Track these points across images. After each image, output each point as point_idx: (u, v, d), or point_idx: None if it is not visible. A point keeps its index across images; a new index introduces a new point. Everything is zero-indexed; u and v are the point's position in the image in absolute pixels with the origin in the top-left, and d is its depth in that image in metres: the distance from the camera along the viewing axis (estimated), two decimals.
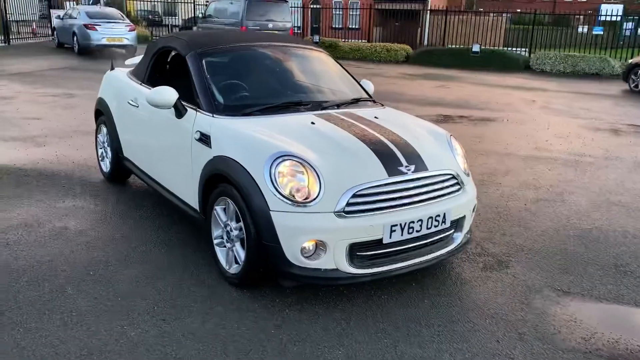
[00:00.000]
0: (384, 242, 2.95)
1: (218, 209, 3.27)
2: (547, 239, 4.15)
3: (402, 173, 3.05)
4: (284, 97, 3.80)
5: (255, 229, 2.93)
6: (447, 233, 3.28)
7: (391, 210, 2.97)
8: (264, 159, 2.94)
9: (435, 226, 3.14)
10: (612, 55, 17.52)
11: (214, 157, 3.23)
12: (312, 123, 3.38)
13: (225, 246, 3.28)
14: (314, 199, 2.84)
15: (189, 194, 3.62)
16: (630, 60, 14.11)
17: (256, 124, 3.31)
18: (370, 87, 4.46)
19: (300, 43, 4.35)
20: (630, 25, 24.17)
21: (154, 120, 3.96)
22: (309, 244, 2.85)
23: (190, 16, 26.24)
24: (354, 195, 2.89)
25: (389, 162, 3.07)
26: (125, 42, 16.73)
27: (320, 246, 2.86)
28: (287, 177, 2.88)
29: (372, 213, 2.92)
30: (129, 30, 16.86)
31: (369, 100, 4.10)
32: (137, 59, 5.29)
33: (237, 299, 3.09)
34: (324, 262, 2.88)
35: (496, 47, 18.62)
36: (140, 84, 4.37)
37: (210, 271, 3.39)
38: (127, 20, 17.68)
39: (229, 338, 2.73)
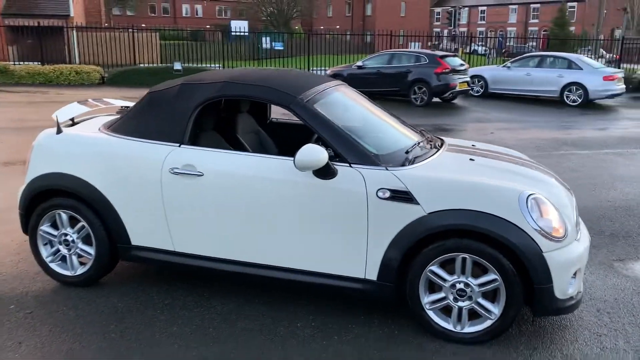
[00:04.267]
0: None
1: (435, 269, 2.95)
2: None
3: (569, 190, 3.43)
4: (403, 138, 3.55)
5: (520, 276, 2.85)
6: None
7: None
8: (515, 202, 2.86)
9: None
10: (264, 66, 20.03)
11: (429, 213, 2.89)
12: (471, 159, 3.37)
13: (448, 307, 3.00)
14: (565, 232, 2.95)
15: (349, 264, 3.08)
16: (328, 71, 16.51)
17: (444, 168, 3.11)
18: None
19: (327, 79, 3.99)
20: (267, 39, 27.93)
21: (260, 189, 3.12)
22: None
23: None
24: None
25: (562, 184, 3.39)
26: None
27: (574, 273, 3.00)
28: (541, 216, 2.89)
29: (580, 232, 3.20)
30: None
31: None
32: (70, 110, 3.84)
33: None
34: (576, 288, 3.03)
35: (197, 64, 18.87)
36: (180, 146, 3.30)
37: None
38: None
39: None
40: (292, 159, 3.04)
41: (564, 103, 14.79)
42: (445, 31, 56.36)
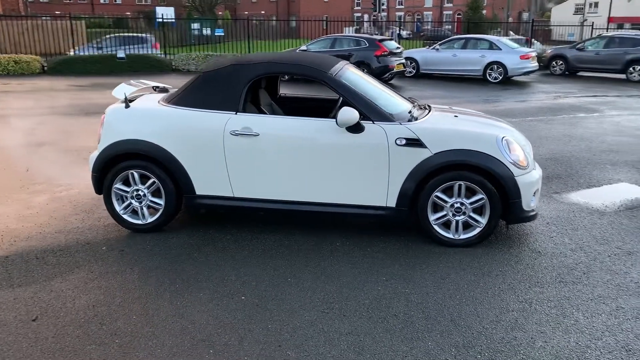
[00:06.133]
0: None
1: (439, 194, 4.07)
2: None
3: None
4: (402, 102, 4.62)
5: (501, 193, 4.02)
6: None
7: None
8: (494, 143, 4.02)
9: None
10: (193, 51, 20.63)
11: (435, 153, 3.99)
12: (455, 116, 4.51)
13: (449, 221, 4.13)
14: (527, 163, 4.15)
15: (374, 196, 4.13)
16: None
17: (440, 122, 4.23)
18: None
19: (340, 60, 4.95)
20: (197, 25, 28.18)
21: (305, 143, 4.09)
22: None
23: None
24: None
25: (520, 132, 4.61)
26: None
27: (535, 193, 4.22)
28: (511, 152, 4.07)
29: None
30: None
31: None
32: (124, 89, 4.58)
33: (484, 264, 4.08)
34: (536, 204, 4.26)
35: (141, 53, 18.96)
36: (236, 114, 4.20)
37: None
38: None
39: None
40: (328, 119, 4.06)
41: (486, 80, 16.52)
42: (366, 16, 58.20)
